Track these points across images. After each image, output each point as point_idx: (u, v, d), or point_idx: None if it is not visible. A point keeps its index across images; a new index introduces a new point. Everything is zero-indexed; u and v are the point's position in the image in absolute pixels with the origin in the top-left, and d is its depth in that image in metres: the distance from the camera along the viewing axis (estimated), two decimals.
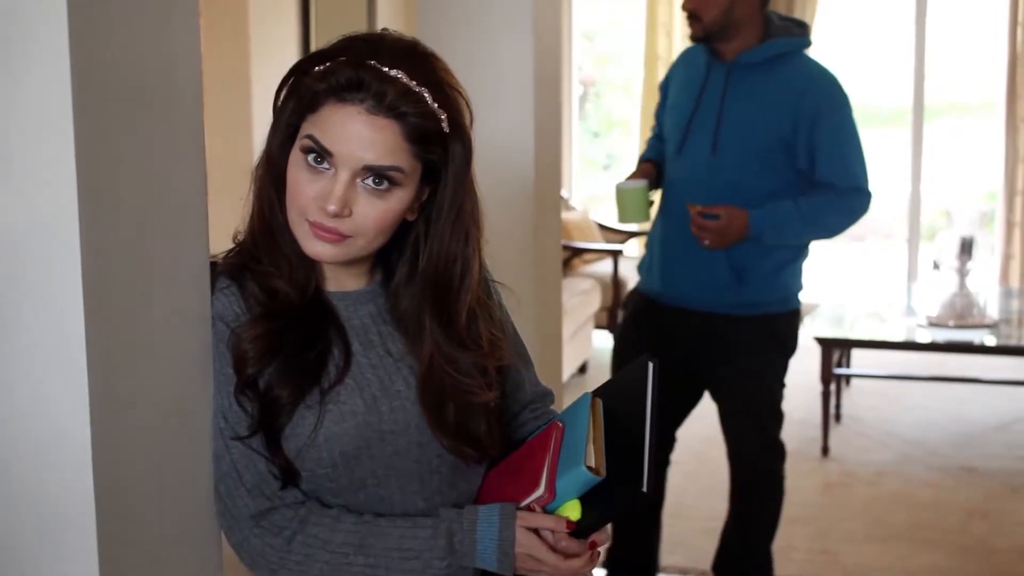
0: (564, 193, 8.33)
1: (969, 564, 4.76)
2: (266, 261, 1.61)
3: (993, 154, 8.38)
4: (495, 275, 1.89)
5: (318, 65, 1.53)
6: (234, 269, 1.63)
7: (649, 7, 8.59)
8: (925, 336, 6.00)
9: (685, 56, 4.05)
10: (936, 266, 6.61)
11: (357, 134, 1.50)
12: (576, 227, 7.75)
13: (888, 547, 4.81)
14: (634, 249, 8.57)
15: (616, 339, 4.45)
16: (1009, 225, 8.24)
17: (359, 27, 7.50)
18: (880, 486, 4.87)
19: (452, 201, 1.62)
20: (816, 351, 5.85)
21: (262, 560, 1.62)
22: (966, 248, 5.93)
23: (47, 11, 1.29)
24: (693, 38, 3.80)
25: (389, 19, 8.74)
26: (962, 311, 5.97)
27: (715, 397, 4.01)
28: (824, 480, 5.56)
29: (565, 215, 7.41)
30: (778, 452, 3.97)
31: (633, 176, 3.89)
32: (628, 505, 1.71)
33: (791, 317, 3.90)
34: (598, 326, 7.46)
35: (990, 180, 8.60)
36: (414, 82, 1.52)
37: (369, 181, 1.53)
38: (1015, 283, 8.19)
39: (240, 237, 1.68)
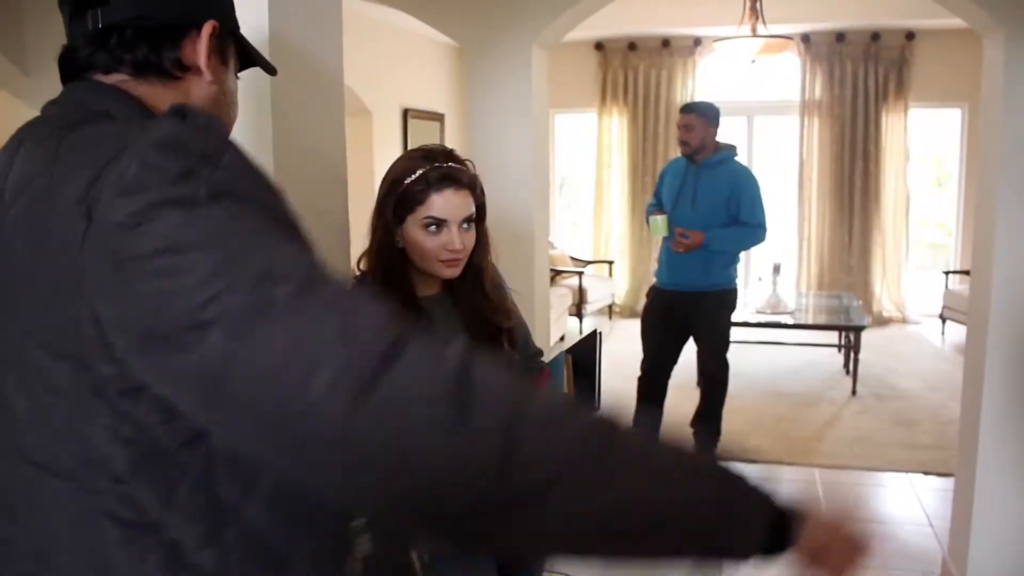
0: (551, 239, 8.13)
1: (780, 445, 5.17)
2: (391, 295, 1.77)
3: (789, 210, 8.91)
4: (512, 284, 2.15)
5: (408, 178, 1.77)
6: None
7: (598, 138, 9.27)
8: (754, 319, 6.46)
9: (672, 163, 4.91)
10: (761, 279, 7.39)
11: (455, 204, 1.78)
12: (557, 258, 8.39)
13: (734, 437, 5.17)
14: (592, 270, 9.05)
15: (644, 312, 4.91)
16: (800, 259, 8.93)
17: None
18: (730, 400, 5.02)
19: (483, 230, 1.88)
20: None
21: None
22: (776, 269, 6.65)
23: (260, 117, 1.59)
24: (684, 154, 4.64)
25: (451, 142, 9.77)
26: (774, 304, 6.57)
27: (696, 337, 4.71)
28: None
29: (551, 252, 7.56)
30: (726, 364, 4.73)
31: (658, 212, 4.64)
32: None
33: (733, 292, 4.69)
34: (570, 315, 8.08)
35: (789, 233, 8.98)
36: (465, 168, 1.82)
37: (464, 225, 1.80)
38: (803, 288, 8.80)
39: (358, 271, 1.87)
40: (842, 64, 8.60)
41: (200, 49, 1.03)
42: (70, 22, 1.00)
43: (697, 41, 8.75)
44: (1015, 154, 3.12)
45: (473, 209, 1.81)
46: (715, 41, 6.90)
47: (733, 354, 4.91)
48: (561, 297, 7.73)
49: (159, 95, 1.01)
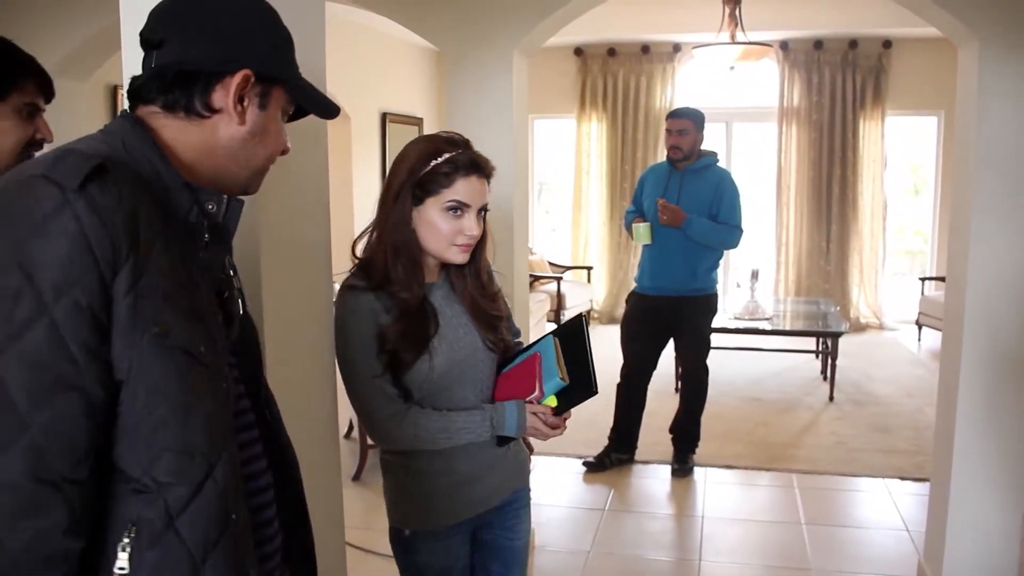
0: (529, 245, 9.61)
1: (758, 450, 5.19)
2: (400, 279, 1.84)
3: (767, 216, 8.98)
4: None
5: (433, 160, 1.82)
6: (371, 283, 1.85)
7: (577, 144, 9.27)
8: (732, 324, 6.46)
9: (653, 169, 4.97)
10: (739, 285, 7.49)
11: (478, 191, 1.85)
12: (535, 263, 8.44)
13: (712, 443, 5.19)
14: (570, 276, 9.07)
15: (625, 318, 4.94)
16: (778, 265, 8.99)
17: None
18: (708, 406, 5.04)
19: (487, 223, 1.96)
20: None
21: (390, 438, 1.90)
22: (755, 275, 6.70)
23: None
24: (674, 159, 4.66)
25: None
26: (752, 310, 6.60)
27: (677, 341, 4.79)
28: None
29: (530, 257, 7.66)
30: (706, 369, 4.77)
31: (639, 220, 4.67)
32: (583, 398, 1.90)
33: (715, 297, 4.71)
34: (548, 320, 8.10)
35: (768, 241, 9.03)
36: (487, 159, 1.89)
37: (480, 213, 1.88)
38: (781, 294, 8.85)
39: (355, 261, 1.93)
40: (820, 71, 8.69)
41: (229, 94, 1.17)
42: (143, 58, 1.18)
43: (676, 47, 8.81)
44: (988, 162, 3.18)
45: (488, 200, 1.89)
46: (694, 47, 6.97)
47: (711, 360, 4.95)
48: (539, 303, 7.77)
49: (184, 128, 1.17)
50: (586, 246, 9.42)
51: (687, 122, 4.59)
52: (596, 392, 1.90)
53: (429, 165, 1.82)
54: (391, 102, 8.02)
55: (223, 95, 1.17)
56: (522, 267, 3.76)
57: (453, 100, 3.55)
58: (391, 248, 1.85)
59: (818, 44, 8.61)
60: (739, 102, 9.05)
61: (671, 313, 4.66)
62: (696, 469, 4.94)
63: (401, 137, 8.01)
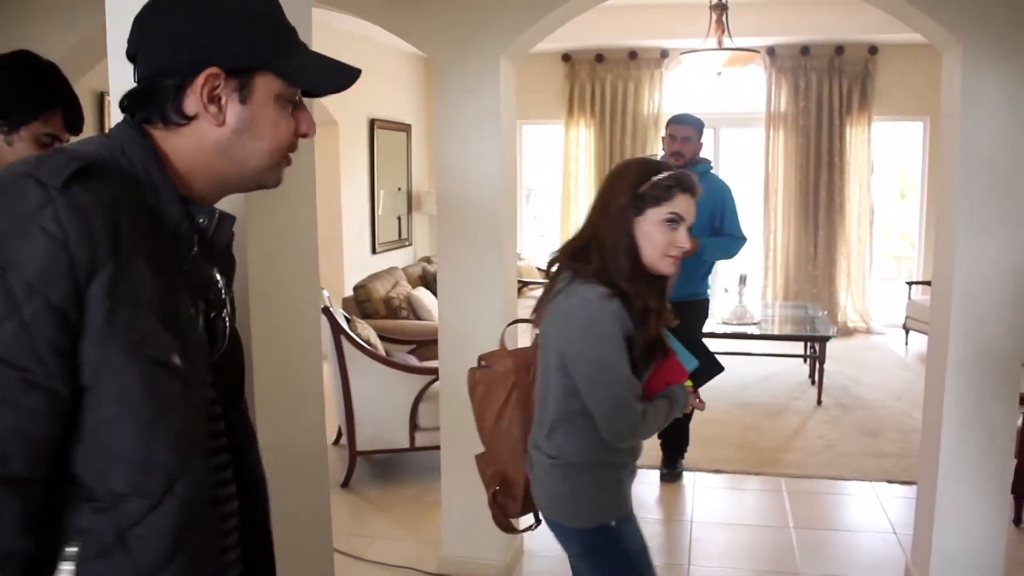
0: (518, 251, 9.63)
1: (747, 456, 5.18)
2: (636, 289, 1.99)
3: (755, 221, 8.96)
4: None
5: (655, 176, 2.00)
6: (613, 291, 1.97)
7: (565, 149, 9.29)
8: (721, 329, 6.48)
9: None
10: (727, 290, 7.43)
11: (690, 207, 2.03)
12: (524, 269, 8.49)
13: (701, 447, 5.19)
14: None
15: None
16: (766, 270, 9.05)
17: (402, 158, 8.86)
18: (697, 411, 5.67)
19: None
20: None
21: (636, 432, 2.05)
22: (743, 280, 6.77)
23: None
24: (676, 166, 4.86)
25: (417, 152, 10.01)
26: (740, 315, 6.65)
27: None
28: None
29: (518, 263, 8.42)
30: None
31: None
32: (711, 375, 2.35)
33: (707, 302, 4.72)
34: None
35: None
36: None
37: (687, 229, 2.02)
38: (769, 299, 8.91)
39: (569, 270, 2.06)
40: (807, 77, 8.74)
41: (197, 98, 1.14)
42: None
43: (664, 53, 8.85)
44: (972, 166, 3.21)
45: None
46: (682, 53, 6.99)
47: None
48: (528, 309, 7.64)
49: (172, 138, 1.16)
50: None
51: (691, 129, 4.54)
52: (723, 368, 2.27)
53: (652, 179, 2.00)
54: (379, 108, 8.02)
55: (194, 100, 1.15)
56: (510, 274, 3.74)
57: (441, 106, 3.55)
58: (628, 261, 2.02)
59: (805, 50, 8.65)
60: (727, 108, 9.08)
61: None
62: (685, 474, 4.95)
63: (389, 143, 8.04)
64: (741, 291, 6.80)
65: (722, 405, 6.32)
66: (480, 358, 2.30)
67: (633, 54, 8.89)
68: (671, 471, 4.87)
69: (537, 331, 2.21)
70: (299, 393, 1.92)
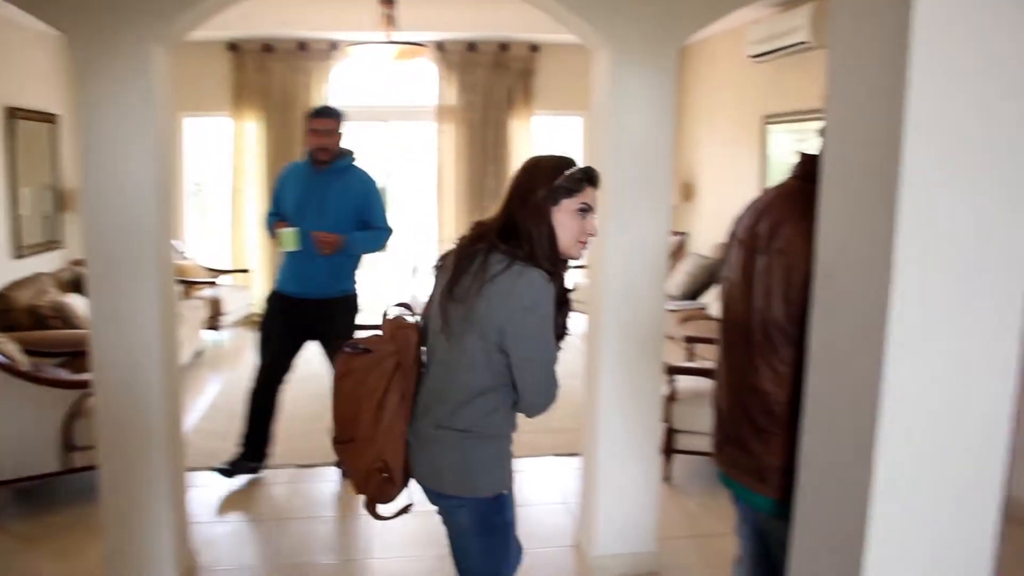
0: (182, 249, 8.48)
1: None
2: (557, 272, 2.21)
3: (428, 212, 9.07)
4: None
5: (566, 171, 2.22)
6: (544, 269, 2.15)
7: (234, 143, 8.94)
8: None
9: (291, 169, 4.78)
10: (414, 273, 7.48)
11: (596, 198, 2.26)
12: (189, 269, 8.15)
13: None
14: (230, 280, 8.83)
15: (265, 320, 4.77)
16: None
17: (48, 152, 7.98)
18: None
19: None
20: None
21: (553, 398, 2.25)
22: (415, 271, 7.09)
23: None
24: (321, 160, 4.51)
25: (69, 146, 9.12)
26: (413, 306, 7.66)
27: (324, 343, 4.65)
28: None
29: (182, 261, 7.96)
30: None
31: (282, 224, 4.50)
32: None
33: (357, 297, 4.72)
34: (207, 328, 7.82)
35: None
36: None
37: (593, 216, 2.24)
38: None
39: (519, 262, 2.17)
40: (474, 72, 9.03)
41: None
42: None
43: (334, 45, 8.76)
44: (621, 161, 3.49)
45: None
46: (349, 45, 6.99)
47: None
48: (195, 310, 7.45)
49: None
50: (245, 248, 9.11)
51: (332, 122, 4.53)
52: None
53: (564, 173, 2.23)
54: (19, 97, 7.26)
55: None
56: (167, 275, 3.50)
57: (88, 95, 3.22)
58: (551, 247, 2.23)
59: (472, 46, 8.95)
60: (397, 101, 9.22)
61: (316, 315, 4.63)
62: None
63: (33, 135, 7.33)
64: (413, 281, 6.99)
65: None
66: (357, 343, 2.32)
67: (303, 45, 8.75)
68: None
69: (422, 313, 2.37)
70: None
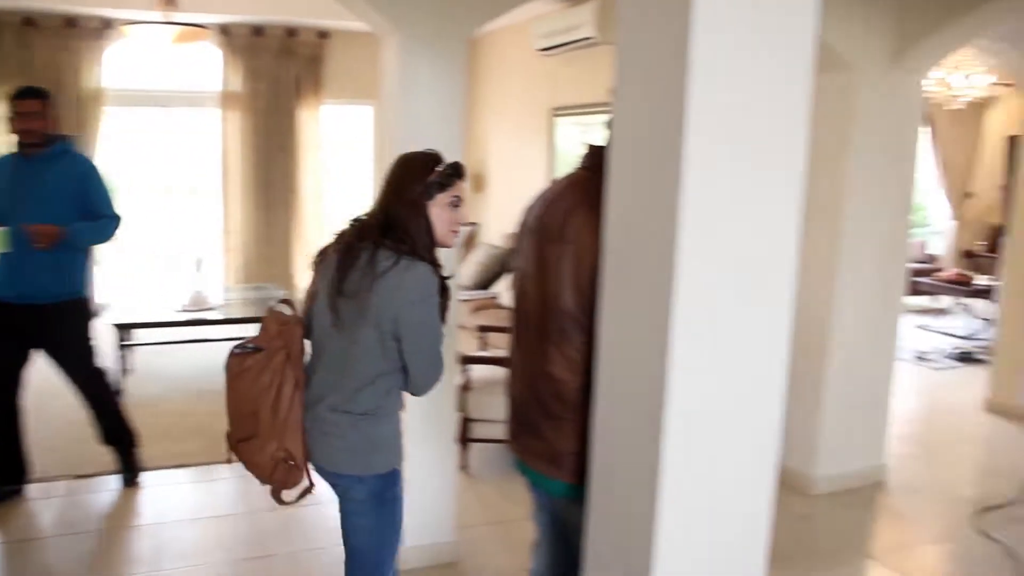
0: None
1: (215, 445, 4.80)
2: (436, 262, 2.35)
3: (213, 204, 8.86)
4: None
5: (436, 167, 2.36)
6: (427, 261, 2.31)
7: None
8: (179, 317, 6.36)
9: None
10: (199, 267, 6.89)
11: (463, 189, 2.40)
12: None
13: (161, 444, 5.04)
14: None
15: None
16: (225, 252, 8.89)
17: None
18: (156, 404, 5.24)
19: None
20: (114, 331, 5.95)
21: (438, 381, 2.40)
22: (198, 264, 6.70)
23: None
24: (25, 143, 4.07)
25: None
26: (199, 301, 6.55)
27: (53, 353, 4.23)
28: None
29: None
30: (100, 372, 4.39)
31: None
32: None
33: (88, 299, 4.30)
34: None
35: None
36: None
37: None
38: (230, 282, 8.80)
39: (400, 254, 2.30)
40: (261, 58, 8.76)
41: None
42: None
43: (107, 23, 8.18)
44: (409, 147, 3.46)
45: None
46: (125, 25, 6.59)
47: (157, 357, 4.72)
48: None
49: None
50: None
51: (39, 103, 4.11)
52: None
53: (435, 170, 2.37)
54: None
55: None
56: None
57: None
58: (430, 239, 2.38)
59: (258, 30, 8.69)
60: (180, 86, 8.79)
61: (41, 322, 4.17)
62: (147, 474, 4.73)
63: None
64: (198, 276, 6.73)
65: (181, 396, 6.18)
66: (247, 342, 2.47)
67: (71, 21, 8.13)
68: (129, 474, 4.62)
69: (304, 307, 2.54)
70: None
